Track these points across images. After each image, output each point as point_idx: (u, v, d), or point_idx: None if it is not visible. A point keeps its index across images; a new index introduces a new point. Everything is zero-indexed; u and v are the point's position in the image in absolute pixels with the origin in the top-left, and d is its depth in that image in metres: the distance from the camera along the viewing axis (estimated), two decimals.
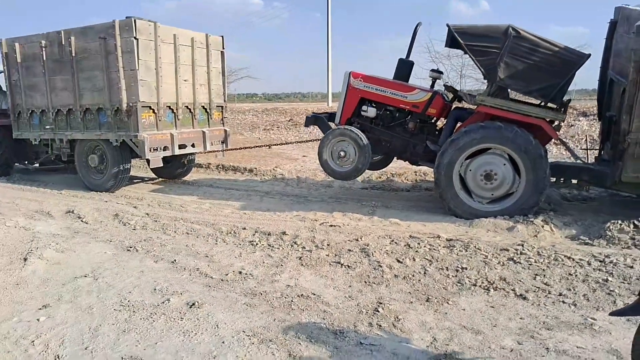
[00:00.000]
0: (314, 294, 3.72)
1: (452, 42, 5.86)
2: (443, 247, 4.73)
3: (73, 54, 7.33)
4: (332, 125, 6.86)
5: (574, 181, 6.07)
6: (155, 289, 3.79)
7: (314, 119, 6.95)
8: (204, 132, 8.10)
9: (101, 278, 4.06)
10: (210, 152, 8.38)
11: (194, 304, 3.48)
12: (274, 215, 6.16)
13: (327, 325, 3.23)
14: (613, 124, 5.60)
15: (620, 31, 5.60)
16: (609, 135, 5.86)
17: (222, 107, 8.60)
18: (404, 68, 6.47)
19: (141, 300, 3.58)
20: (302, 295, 3.70)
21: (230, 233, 5.28)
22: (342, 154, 6.40)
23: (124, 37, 6.85)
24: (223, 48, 8.36)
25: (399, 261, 4.40)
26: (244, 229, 5.38)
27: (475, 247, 4.66)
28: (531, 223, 5.47)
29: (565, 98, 5.90)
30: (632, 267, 4.08)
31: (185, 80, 7.67)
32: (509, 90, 5.97)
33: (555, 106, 5.81)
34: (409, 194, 7.64)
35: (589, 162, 6.60)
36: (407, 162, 6.94)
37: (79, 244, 5.03)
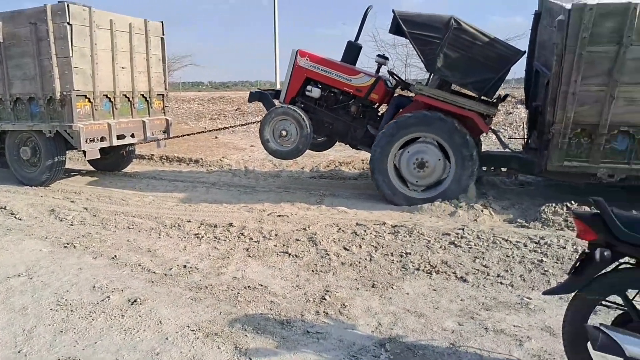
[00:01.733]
0: (261, 285, 3.70)
1: (396, 29, 5.89)
2: (388, 233, 4.81)
3: (1, 40, 6.85)
4: (277, 103, 6.79)
5: (504, 169, 6.28)
6: (94, 287, 3.64)
7: (258, 95, 6.82)
8: (143, 122, 7.81)
9: (36, 277, 3.85)
10: (150, 142, 8.08)
11: (135, 301, 3.37)
12: (221, 206, 6.05)
13: (274, 316, 3.21)
14: (539, 114, 5.85)
15: (544, 23, 5.82)
16: (536, 125, 6.12)
17: (163, 95, 8.31)
18: (352, 51, 6.47)
19: (79, 299, 3.43)
20: (249, 286, 3.66)
21: (174, 226, 5.15)
22: (284, 133, 6.35)
23: (56, 23, 6.47)
24: (163, 34, 8.07)
25: (345, 249, 4.44)
26: (189, 221, 5.26)
27: (418, 232, 4.76)
28: (472, 208, 5.65)
29: (503, 91, 6.11)
30: (564, 247, 4.31)
31: (122, 68, 7.34)
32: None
33: (488, 100, 5.96)
34: (356, 182, 7.72)
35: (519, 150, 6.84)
36: (347, 145, 6.98)
37: (11, 241, 4.75)
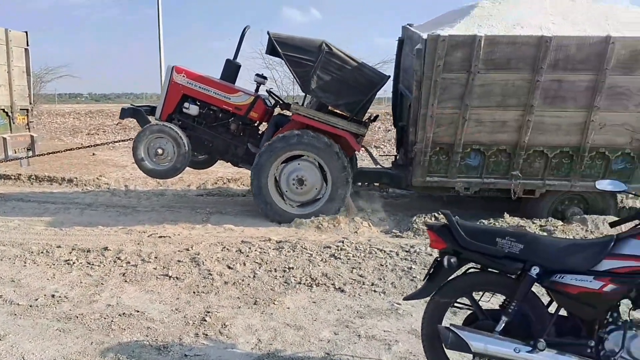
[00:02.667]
0: (138, 311, 3.57)
1: (272, 50, 6.07)
2: (273, 249, 4.90)
3: None
4: (152, 119, 6.60)
5: (377, 184, 6.73)
6: None
7: (132, 111, 6.56)
8: (4, 139, 7.13)
9: None
10: (12, 160, 7.41)
11: None
12: (96, 229, 5.71)
13: (150, 342, 3.13)
14: (404, 133, 6.39)
15: (407, 49, 6.35)
16: (402, 143, 6.67)
17: (27, 110, 7.67)
18: (231, 69, 6.52)
19: None
20: (124, 313, 3.52)
21: (42, 253, 4.76)
22: (160, 151, 6.20)
23: None
24: (27, 45, 7.47)
25: (229, 267, 4.44)
26: (59, 247, 4.90)
27: (302, 247, 4.92)
28: (352, 221, 5.98)
29: (374, 114, 6.57)
30: (431, 254, 4.72)
31: None
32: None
33: (359, 120, 6.30)
34: (244, 199, 7.73)
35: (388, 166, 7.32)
36: (229, 163, 7.00)
37: None
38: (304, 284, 4.13)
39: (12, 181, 8.97)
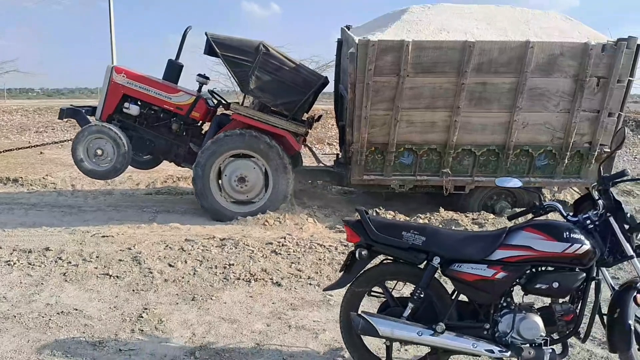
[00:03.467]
0: (76, 309, 3.66)
1: (210, 50, 6.15)
2: (216, 246, 5.04)
3: None
4: (92, 120, 6.59)
5: (319, 182, 6.95)
6: None
7: (72, 112, 6.56)
8: None
9: None
10: None
11: None
12: (40, 230, 5.70)
13: (86, 339, 3.24)
14: (344, 132, 6.63)
15: (345, 51, 6.53)
16: (343, 142, 6.92)
17: None
18: (173, 69, 6.57)
19: None
20: (62, 312, 3.60)
21: None
22: (100, 152, 6.23)
23: None
24: None
25: (170, 265, 4.56)
26: (0, 248, 4.89)
27: (244, 243, 5.08)
28: (298, 217, 6.19)
29: (317, 114, 6.76)
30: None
31: None
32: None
33: (299, 120, 6.43)
34: (193, 197, 7.76)
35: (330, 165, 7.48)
36: (171, 162, 7.07)
37: None
38: (243, 279, 4.30)
39: None
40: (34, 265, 4.52)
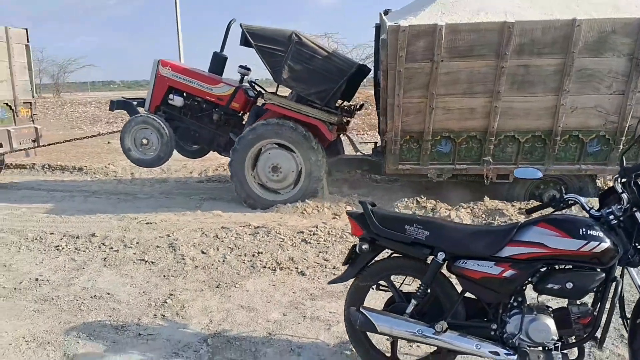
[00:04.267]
0: (108, 294, 3.88)
1: (245, 41, 6.21)
2: (249, 234, 5.14)
3: None
4: (142, 111, 6.91)
5: (359, 171, 6.85)
6: None
7: (122, 104, 6.96)
8: (8, 131, 7.61)
9: None
10: (17, 151, 7.90)
11: None
12: (93, 216, 6.09)
13: (111, 322, 3.43)
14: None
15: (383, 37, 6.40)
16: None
17: (30, 103, 8.12)
18: (218, 62, 6.79)
19: None
20: (95, 296, 3.84)
21: (36, 239, 5.15)
22: (145, 141, 6.54)
23: None
24: (28, 41, 7.90)
25: (203, 252, 4.71)
26: (52, 233, 5.28)
27: (276, 232, 5.14)
28: (337, 206, 6.17)
29: (358, 103, 6.64)
30: None
31: None
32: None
33: (332, 109, 6.32)
34: None
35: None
36: (215, 152, 7.25)
37: None
38: (269, 267, 4.36)
39: (27, 170, 9.52)
40: (79, 250, 4.84)
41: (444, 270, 2.59)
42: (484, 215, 5.70)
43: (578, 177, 5.62)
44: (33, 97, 8.17)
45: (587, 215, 2.48)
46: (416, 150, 5.62)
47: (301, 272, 4.27)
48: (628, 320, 2.46)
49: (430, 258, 2.57)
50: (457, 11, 5.11)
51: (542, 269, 2.41)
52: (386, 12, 6.03)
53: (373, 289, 2.81)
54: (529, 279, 2.43)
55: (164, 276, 4.23)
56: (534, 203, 5.67)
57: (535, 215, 2.75)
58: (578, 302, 2.47)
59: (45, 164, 9.57)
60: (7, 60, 7.48)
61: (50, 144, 8.97)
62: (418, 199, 6.08)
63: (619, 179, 2.41)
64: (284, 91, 6.85)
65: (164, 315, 3.53)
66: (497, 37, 4.93)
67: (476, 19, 5.00)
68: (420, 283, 2.61)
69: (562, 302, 2.57)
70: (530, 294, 2.47)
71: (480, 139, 5.44)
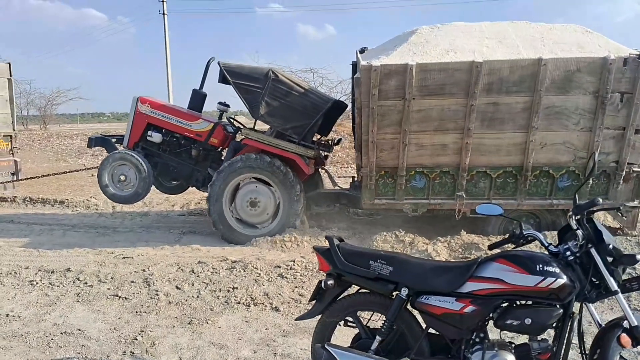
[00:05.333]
0: (79, 330, 3.85)
1: (223, 78, 6.37)
2: (225, 269, 5.13)
3: None
4: (120, 147, 6.98)
5: (337, 205, 6.91)
6: None
7: (101, 141, 7.02)
8: None
9: None
10: None
11: None
12: (70, 250, 6.04)
13: (80, 359, 3.39)
14: None
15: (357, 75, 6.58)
16: None
17: (10, 136, 8.16)
18: (197, 98, 6.91)
19: None
20: (65, 332, 3.80)
21: (10, 274, 5.10)
22: (123, 177, 6.60)
23: None
24: (10, 75, 8.03)
25: (178, 287, 4.69)
26: (27, 268, 5.23)
27: (253, 266, 5.14)
28: (316, 239, 6.19)
29: (336, 138, 6.75)
30: None
31: None
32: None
33: (308, 144, 6.39)
34: None
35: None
36: (194, 187, 7.30)
37: None
38: (243, 303, 4.35)
39: (8, 203, 9.43)
40: (53, 285, 4.79)
41: (409, 306, 2.63)
42: (460, 249, 5.76)
43: (550, 211, 5.72)
44: (14, 130, 8.22)
45: (546, 251, 2.55)
46: (391, 185, 5.70)
47: (275, 307, 4.26)
48: (586, 356, 2.51)
49: (394, 294, 2.61)
50: (427, 51, 5.30)
51: (503, 305, 2.47)
52: (362, 51, 6.22)
53: (340, 325, 2.84)
54: (490, 315, 2.48)
55: (137, 312, 4.20)
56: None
57: (496, 250, 2.82)
58: (539, 337, 2.51)
59: (27, 197, 9.49)
60: None
61: (28, 178, 8.97)
62: (397, 232, 6.13)
63: (573, 216, 2.49)
64: (263, 127, 6.97)
65: (133, 353, 3.50)
66: (466, 76, 5.09)
67: (446, 59, 5.19)
68: (385, 319, 2.64)
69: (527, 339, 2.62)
70: (496, 330, 2.51)
71: (454, 174, 5.55)
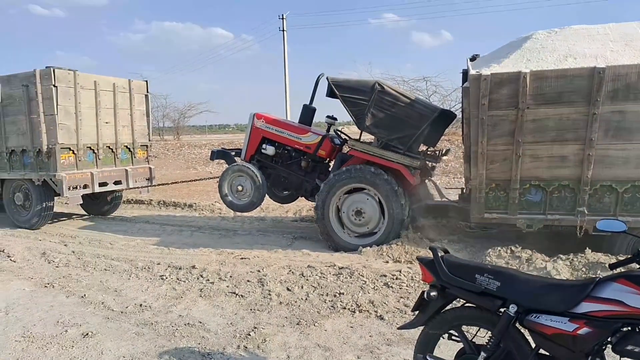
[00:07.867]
0: (200, 322, 4.25)
1: (331, 92, 6.58)
2: (332, 274, 5.31)
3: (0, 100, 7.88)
4: (239, 160, 7.52)
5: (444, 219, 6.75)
6: (58, 322, 4.26)
7: (222, 154, 7.69)
8: (126, 170, 8.67)
9: (12, 312, 4.50)
10: (133, 188, 9.00)
11: (87, 334, 3.97)
12: (196, 249, 6.66)
13: (200, 349, 3.76)
14: None
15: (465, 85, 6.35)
16: None
17: (146, 146, 9.21)
18: (307, 113, 7.32)
19: (42, 332, 4.05)
20: (188, 323, 4.22)
21: (145, 268, 5.77)
22: (240, 188, 7.11)
23: (44, 85, 7.55)
24: (147, 92, 9.08)
25: (288, 289, 4.96)
26: (158, 264, 5.87)
27: (359, 273, 5.26)
28: (423, 250, 6.13)
29: (444, 148, 6.63)
30: None
31: (106, 123, 8.36)
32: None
33: (414, 154, 6.37)
34: None
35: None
36: (303, 197, 7.62)
37: (1, 281, 5.43)
38: (349, 309, 4.47)
39: (145, 205, 10.66)
40: (180, 280, 5.33)
41: (517, 324, 2.54)
42: (584, 269, 5.33)
43: (630, 234, 5.06)
44: (149, 140, 9.28)
45: None
46: (503, 198, 5.45)
47: (380, 316, 4.32)
48: None
49: (501, 310, 2.54)
50: (543, 57, 5.01)
51: (623, 329, 2.29)
52: (473, 58, 6.07)
53: (444, 337, 2.82)
54: (608, 339, 2.32)
55: (251, 309, 4.52)
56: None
57: (618, 270, 2.62)
58: None
59: (161, 200, 10.65)
60: (129, 108, 8.67)
61: (159, 184, 10.08)
62: (512, 247, 5.85)
63: None
64: (369, 138, 7.09)
65: (246, 347, 3.78)
66: (587, 82, 4.74)
67: (564, 65, 4.87)
68: (491, 335, 2.58)
69: None
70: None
71: (574, 188, 5.15)
